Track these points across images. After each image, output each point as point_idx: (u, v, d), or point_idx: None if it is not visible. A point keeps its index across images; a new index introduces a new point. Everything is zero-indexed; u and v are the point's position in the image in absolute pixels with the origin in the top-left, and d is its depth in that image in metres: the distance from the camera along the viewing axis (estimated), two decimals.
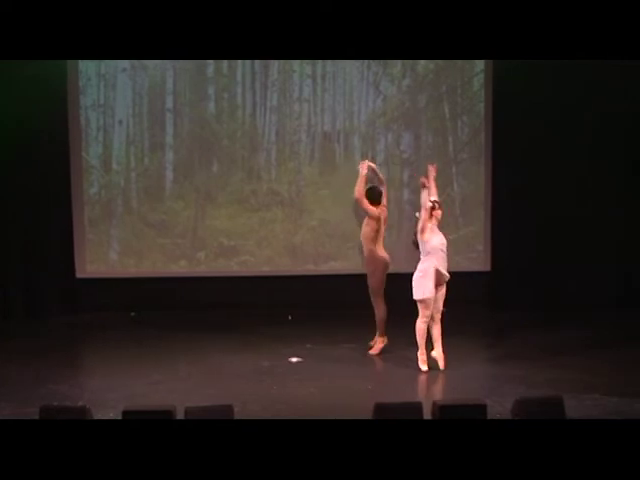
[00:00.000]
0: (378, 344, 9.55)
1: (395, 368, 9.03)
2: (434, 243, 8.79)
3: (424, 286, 8.73)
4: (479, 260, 11.81)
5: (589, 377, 8.31)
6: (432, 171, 9.08)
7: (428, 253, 8.78)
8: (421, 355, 8.94)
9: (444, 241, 8.89)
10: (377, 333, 9.58)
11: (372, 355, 9.51)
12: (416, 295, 8.79)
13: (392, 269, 9.76)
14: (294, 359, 9.27)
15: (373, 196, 9.57)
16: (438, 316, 8.94)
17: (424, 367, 8.89)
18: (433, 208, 8.79)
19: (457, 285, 9.34)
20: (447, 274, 8.84)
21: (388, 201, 9.91)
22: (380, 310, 9.55)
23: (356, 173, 10.83)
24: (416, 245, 8.93)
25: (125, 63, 11.51)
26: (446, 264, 8.87)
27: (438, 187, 9.35)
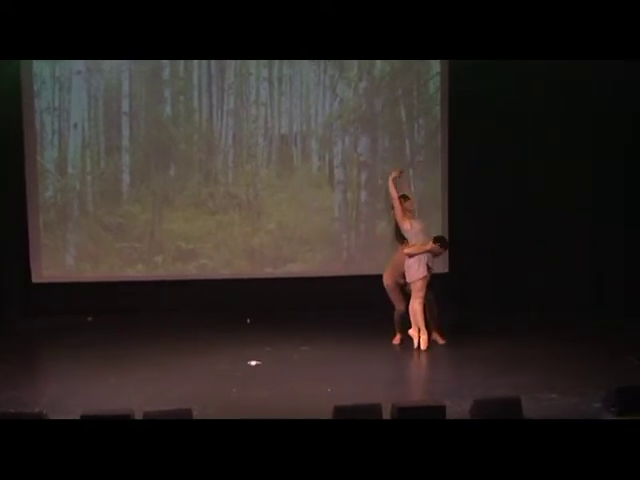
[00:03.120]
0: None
1: (355, 370, 9.03)
2: (417, 228, 9.70)
3: (420, 266, 9.57)
4: (437, 262, 11.83)
5: (548, 378, 8.36)
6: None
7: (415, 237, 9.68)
8: (417, 333, 9.66)
9: (422, 226, 9.81)
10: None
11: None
12: (413, 277, 9.61)
13: (352, 272, 9.82)
14: (253, 362, 9.24)
15: None
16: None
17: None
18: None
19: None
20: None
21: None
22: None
23: (313, 175, 10.89)
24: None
25: (80, 65, 11.41)
26: None
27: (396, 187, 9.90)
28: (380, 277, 10.10)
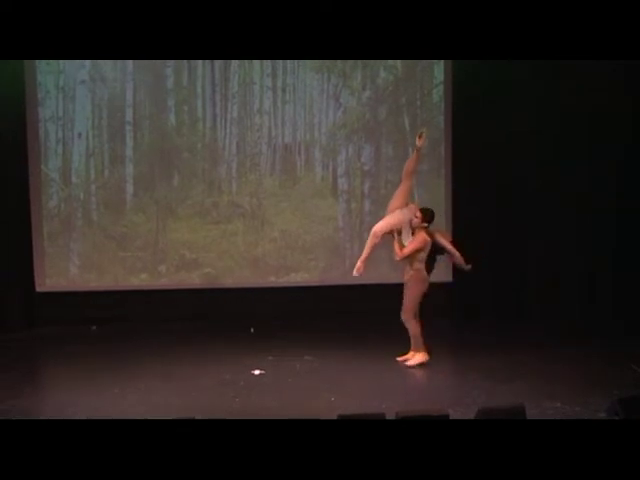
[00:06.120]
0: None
1: (358, 379, 9.02)
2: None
3: None
4: (440, 271, 11.82)
5: (552, 386, 8.35)
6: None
7: None
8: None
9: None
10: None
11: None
12: None
13: (355, 281, 9.84)
14: (256, 371, 9.24)
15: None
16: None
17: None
18: None
19: None
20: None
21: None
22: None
23: (316, 184, 10.85)
24: None
25: (84, 75, 11.45)
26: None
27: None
28: (383, 286, 10.07)
